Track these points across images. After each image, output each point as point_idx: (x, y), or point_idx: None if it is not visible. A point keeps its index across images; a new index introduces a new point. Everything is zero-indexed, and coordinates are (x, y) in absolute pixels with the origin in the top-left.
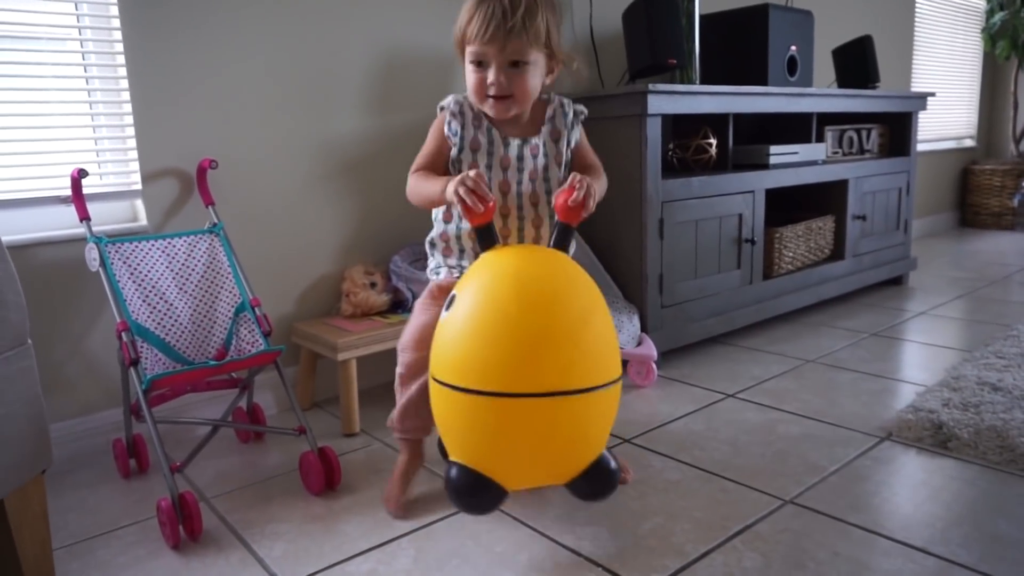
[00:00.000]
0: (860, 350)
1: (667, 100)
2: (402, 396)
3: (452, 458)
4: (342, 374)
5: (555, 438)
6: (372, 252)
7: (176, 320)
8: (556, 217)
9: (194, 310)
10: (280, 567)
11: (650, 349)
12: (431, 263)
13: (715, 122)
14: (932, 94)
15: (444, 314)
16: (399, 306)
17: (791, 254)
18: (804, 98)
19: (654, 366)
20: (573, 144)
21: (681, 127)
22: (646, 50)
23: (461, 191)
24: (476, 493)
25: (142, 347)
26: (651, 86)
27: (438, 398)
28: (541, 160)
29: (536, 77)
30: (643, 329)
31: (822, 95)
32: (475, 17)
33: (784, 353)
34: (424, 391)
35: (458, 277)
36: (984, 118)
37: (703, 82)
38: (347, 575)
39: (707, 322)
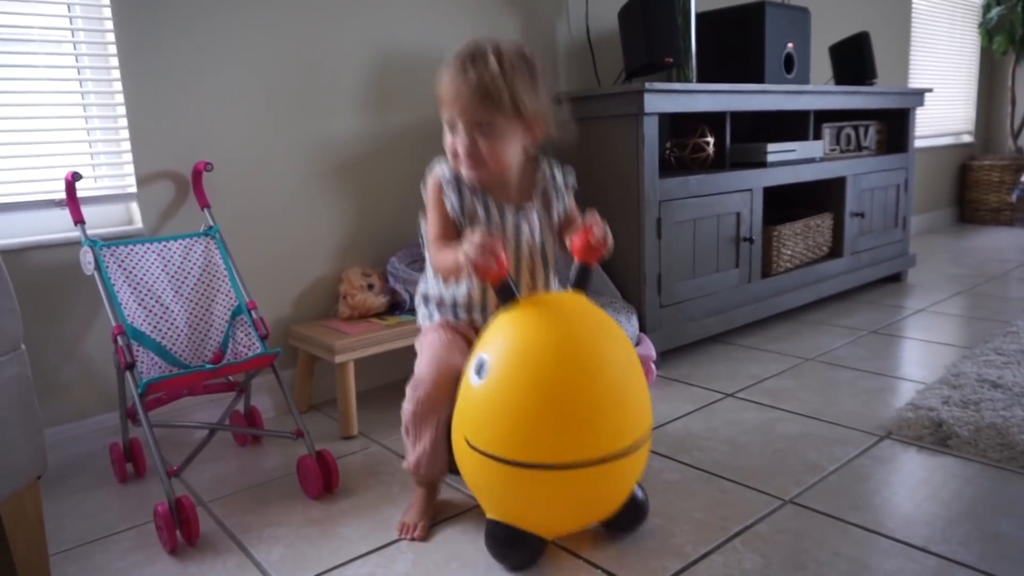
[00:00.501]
0: (859, 348)
1: (664, 99)
2: (416, 444)
3: (489, 516)
4: (340, 376)
5: (603, 496)
6: (369, 254)
7: (172, 323)
8: (575, 259)
9: (190, 313)
10: (278, 571)
11: (649, 349)
12: (420, 313)
13: (712, 120)
14: (930, 90)
15: (475, 380)
16: (397, 308)
17: (789, 252)
18: (801, 95)
19: (653, 366)
20: (563, 212)
21: (678, 126)
22: (642, 48)
23: (471, 252)
24: (518, 547)
25: (138, 351)
26: (647, 85)
27: (474, 463)
28: (536, 228)
29: (507, 142)
30: (641, 329)
31: (819, 92)
32: (445, 80)
33: (783, 352)
34: (439, 436)
35: (454, 320)
36: (982, 113)
37: (700, 80)
38: None
39: (706, 321)
